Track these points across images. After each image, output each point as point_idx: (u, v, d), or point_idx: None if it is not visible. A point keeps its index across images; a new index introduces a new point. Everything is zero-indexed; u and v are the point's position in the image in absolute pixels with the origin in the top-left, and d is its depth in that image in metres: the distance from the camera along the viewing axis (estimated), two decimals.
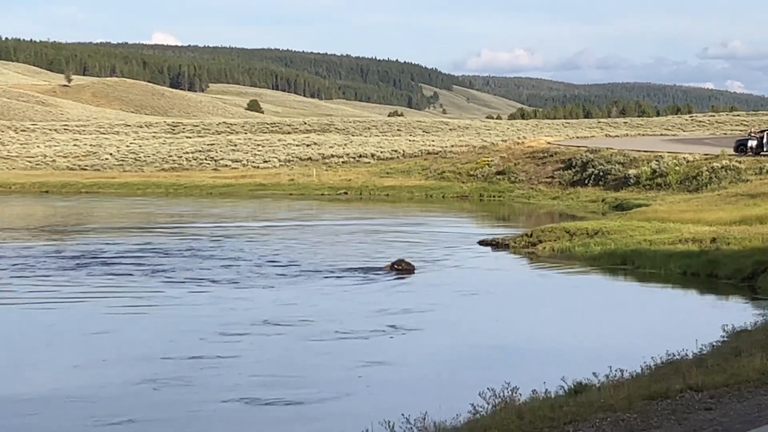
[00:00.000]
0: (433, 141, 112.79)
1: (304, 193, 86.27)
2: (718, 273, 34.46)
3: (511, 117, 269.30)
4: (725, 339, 20.81)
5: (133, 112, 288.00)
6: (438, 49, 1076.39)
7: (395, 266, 36.71)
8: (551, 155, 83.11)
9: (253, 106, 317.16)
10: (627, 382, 14.73)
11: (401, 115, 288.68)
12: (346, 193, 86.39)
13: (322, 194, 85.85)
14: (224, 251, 42.74)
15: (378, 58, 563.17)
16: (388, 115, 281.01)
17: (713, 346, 19.64)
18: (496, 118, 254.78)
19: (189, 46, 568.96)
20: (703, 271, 34.99)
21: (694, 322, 26.80)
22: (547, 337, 25.03)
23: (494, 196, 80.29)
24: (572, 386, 14.72)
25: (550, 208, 70.70)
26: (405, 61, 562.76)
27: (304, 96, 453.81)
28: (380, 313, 27.39)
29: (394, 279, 34.77)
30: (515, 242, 44.90)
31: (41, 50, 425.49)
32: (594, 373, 15.49)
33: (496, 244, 45.52)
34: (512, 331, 26.13)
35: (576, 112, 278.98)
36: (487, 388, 13.70)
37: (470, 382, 17.65)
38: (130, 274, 35.32)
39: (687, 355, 18.04)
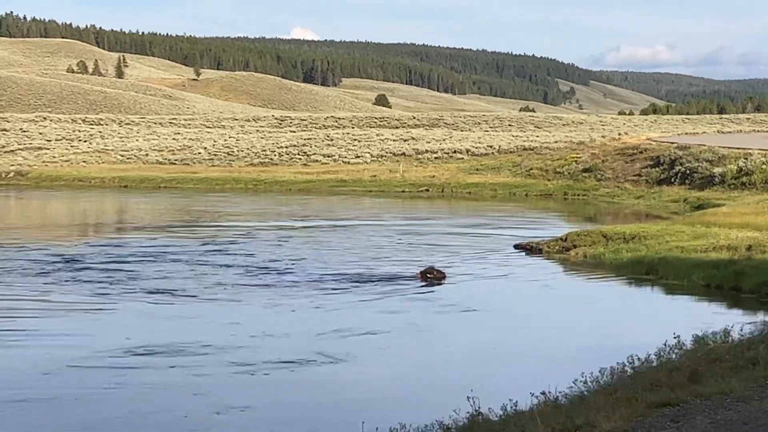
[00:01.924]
0: (537, 136, 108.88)
1: (384, 190, 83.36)
2: (742, 286, 30.45)
3: (643, 112, 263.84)
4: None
5: (260, 106, 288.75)
6: (576, 44, 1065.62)
7: (427, 275, 33.42)
8: (641, 152, 78.65)
9: (381, 101, 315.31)
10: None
11: (533, 110, 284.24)
12: (427, 190, 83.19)
13: (403, 191, 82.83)
14: (227, 255, 39.17)
15: (514, 53, 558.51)
16: (519, 110, 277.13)
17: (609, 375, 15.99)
18: (629, 114, 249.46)
19: (325, 40, 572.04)
20: (727, 283, 30.95)
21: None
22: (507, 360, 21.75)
23: (579, 195, 76.29)
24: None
25: (630, 208, 66.62)
26: (542, 56, 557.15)
27: (437, 91, 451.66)
28: (332, 335, 23.77)
29: (412, 290, 31.13)
30: (549, 247, 41.27)
31: (176, 45, 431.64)
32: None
33: (530, 249, 41.96)
34: (456, 362, 22.46)
35: (710, 108, 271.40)
36: None
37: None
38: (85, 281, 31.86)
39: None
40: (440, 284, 32.67)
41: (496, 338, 24.26)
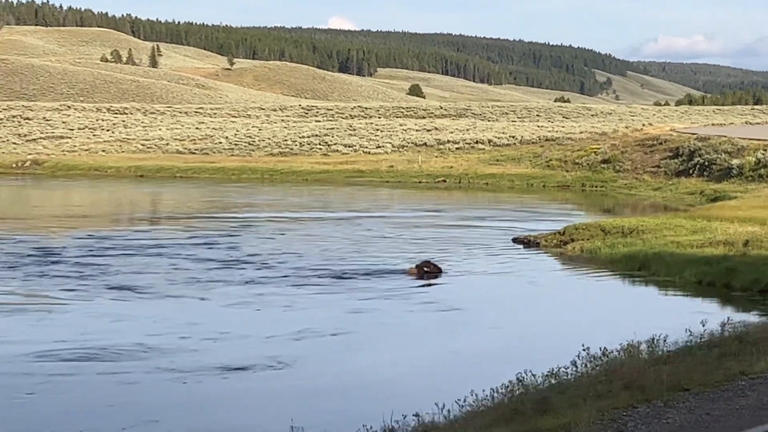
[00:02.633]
0: (562, 127, 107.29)
1: (401, 181, 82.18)
2: (734, 283, 29.12)
3: (678, 103, 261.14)
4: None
5: (293, 95, 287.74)
6: (613, 35, 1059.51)
7: (423, 269, 32.17)
8: (660, 143, 77.01)
9: (414, 91, 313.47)
10: None
11: (567, 100, 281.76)
12: (444, 180, 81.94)
13: (420, 182, 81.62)
14: (211, 249, 37.77)
15: (551, 44, 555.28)
16: (554, 101, 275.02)
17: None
18: (664, 104, 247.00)
19: (362, 30, 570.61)
20: (719, 280, 29.62)
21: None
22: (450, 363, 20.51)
23: (596, 186, 74.87)
24: None
25: (646, 200, 65.21)
26: (579, 47, 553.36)
27: (473, 81, 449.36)
28: (289, 337, 22.39)
29: (394, 287, 29.69)
30: (546, 240, 40.04)
31: (212, 34, 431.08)
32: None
33: (527, 243, 40.77)
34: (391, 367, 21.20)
35: (746, 99, 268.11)
36: None
37: None
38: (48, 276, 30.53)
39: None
40: (436, 278, 31.55)
41: (454, 342, 22.96)
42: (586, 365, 15.17)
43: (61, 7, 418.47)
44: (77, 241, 39.21)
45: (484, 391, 14.13)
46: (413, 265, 32.75)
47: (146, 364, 19.59)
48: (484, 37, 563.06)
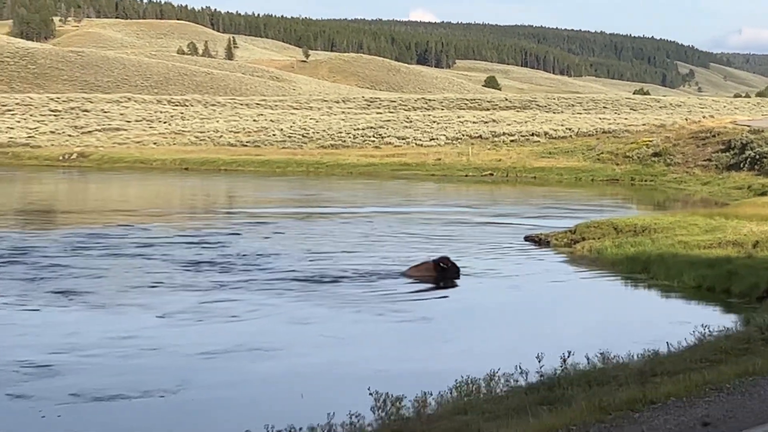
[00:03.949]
0: (625, 119, 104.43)
1: (447, 174, 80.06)
2: (734, 288, 26.79)
3: (759, 95, 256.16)
4: None
5: (368, 87, 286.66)
6: (696, 26, 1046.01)
7: (440, 263, 29.75)
8: (714, 136, 74.07)
9: (490, 83, 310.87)
10: None
11: (647, 93, 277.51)
12: (491, 174, 79.69)
13: (466, 176, 79.47)
14: (196, 248, 35.24)
15: (633, 35, 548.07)
16: (633, 93, 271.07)
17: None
18: (744, 96, 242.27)
19: (442, 22, 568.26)
20: (720, 285, 27.27)
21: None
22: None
23: (646, 180, 72.27)
24: None
25: (694, 195, 62.57)
26: (661, 38, 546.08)
27: (553, 73, 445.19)
28: (222, 353, 20.09)
29: (372, 291, 27.22)
30: (557, 239, 37.91)
31: (290, 26, 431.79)
32: None
33: (538, 241, 38.66)
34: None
35: None
36: None
37: None
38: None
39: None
40: (455, 277, 29.56)
41: (393, 353, 20.91)
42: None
43: (141, 0, 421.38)
44: (57, 240, 37.35)
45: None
46: (430, 261, 30.44)
47: (14, 387, 17.22)
48: (565, 29, 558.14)
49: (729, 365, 12.21)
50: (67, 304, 24.94)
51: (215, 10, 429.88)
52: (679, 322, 22.51)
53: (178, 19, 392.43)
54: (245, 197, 64.46)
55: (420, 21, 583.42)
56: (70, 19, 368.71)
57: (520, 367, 12.76)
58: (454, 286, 29.37)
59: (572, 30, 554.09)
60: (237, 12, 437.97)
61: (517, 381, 13.04)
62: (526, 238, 39.65)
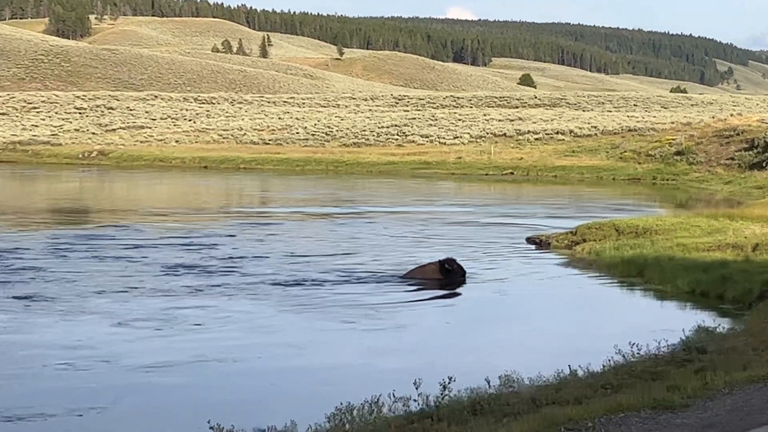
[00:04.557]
0: (653, 117, 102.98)
1: (466, 173, 78.96)
2: (727, 294, 25.58)
3: None
4: None
5: (401, 85, 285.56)
6: (735, 24, 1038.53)
7: (445, 265, 28.60)
8: (738, 134, 72.61)
9: (526, 81, 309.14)
10: None
11: (683, 90, 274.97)
12: (512, 173, 78.53)
13: (486, 174, 78.33)
14: (179, 250, 33.99)
15: (671, 33, 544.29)
16: (670, 90, 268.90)
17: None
18: None
19: (479, 20, 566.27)
20: (713, 290, 26.05)
21: None
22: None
23: (668, 179, 70.89)
24: None
25: (715, 194, 61.13)
26: (699, 36, 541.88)
27: (590, 71, 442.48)
28: (177, 365, 18.75)
29: (354, 296, 25.97)
30: (558, 241, 36.75)
31: (326, 24, 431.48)
32: None
33: (539, 243, 37.52)
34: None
35: None
36: None
37: None
38: None
39: None
40: (461, 279, 28.49)
41: (348, 361, 19.81)
42: None
43: None
44: (41, 241, 36.31)
45: None
46: (434, 261, 29.23)
47: None
48: (602, 27, 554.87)
49: (605, 399, 10.97)
50: (21, 309, 23.61)
51: (251, 7, 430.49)
52: (662, 329, 21.04)
53: (213, 17, 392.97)
54: (253, 196, 63.54)
55: (457, 19, 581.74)
56: (106, 17, 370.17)
57: (418, 389, 11.51)
58: (449, 290, 28.11)
59: (610, 27, 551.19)
60: (273, 10, 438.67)
61: (398, 408, 11.80)
62: (528, 240, 38.57)
